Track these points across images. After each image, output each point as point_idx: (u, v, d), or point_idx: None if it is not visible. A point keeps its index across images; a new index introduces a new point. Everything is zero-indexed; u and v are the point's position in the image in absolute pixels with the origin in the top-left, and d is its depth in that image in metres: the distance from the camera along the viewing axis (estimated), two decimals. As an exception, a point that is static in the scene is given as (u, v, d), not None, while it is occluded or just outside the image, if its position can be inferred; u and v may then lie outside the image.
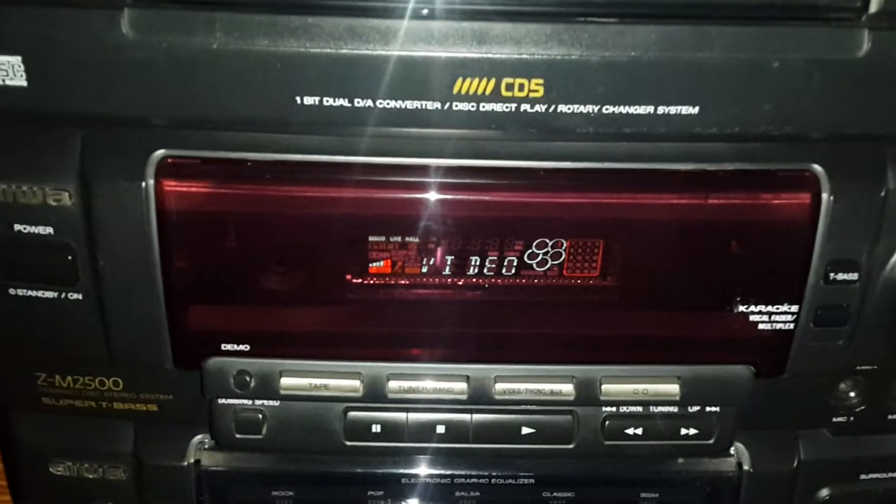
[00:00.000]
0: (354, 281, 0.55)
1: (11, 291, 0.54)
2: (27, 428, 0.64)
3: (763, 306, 0.55)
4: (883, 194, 0.53)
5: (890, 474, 0.67)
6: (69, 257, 0.53)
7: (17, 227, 0.52)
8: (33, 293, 0.54)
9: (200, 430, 0.64)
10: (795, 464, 0.65)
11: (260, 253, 0.54)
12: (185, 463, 0.63)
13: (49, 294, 0.54)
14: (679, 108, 0.49)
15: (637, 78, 0.48)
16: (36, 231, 0.53)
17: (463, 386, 0.58)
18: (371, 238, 0.54)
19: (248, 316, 0.56)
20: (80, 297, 0.54)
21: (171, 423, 0.63)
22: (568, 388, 0.58)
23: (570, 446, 0.60)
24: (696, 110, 0.49)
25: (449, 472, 0.65)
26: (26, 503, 0.67)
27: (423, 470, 0.65)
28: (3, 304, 0.55)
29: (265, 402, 0.59)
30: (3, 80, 0.48)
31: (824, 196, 0.53)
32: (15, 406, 0.63)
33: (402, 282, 0.56)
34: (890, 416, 0.64)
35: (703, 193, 0.53)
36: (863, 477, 0.67)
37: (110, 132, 0.51)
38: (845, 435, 0.65)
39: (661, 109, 0.49)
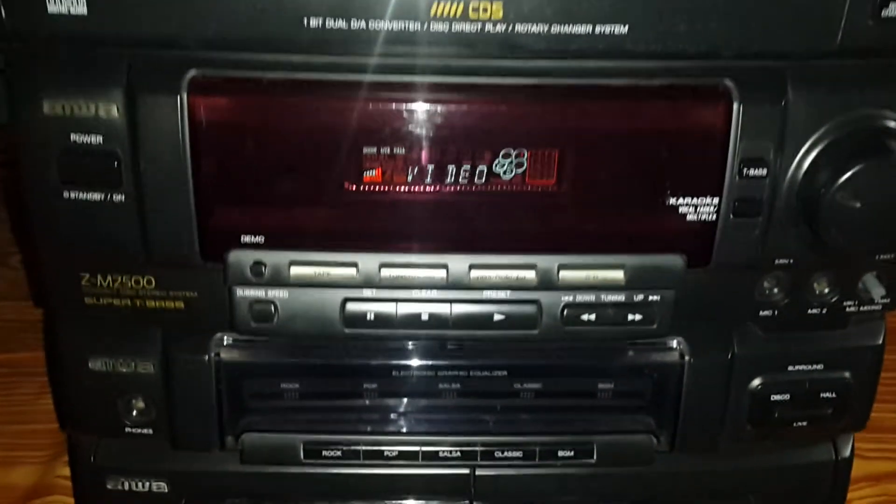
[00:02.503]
0: (352, 187, 0.66)
1: (65, 195, 0.65)
2: (71, 330, 0.74)
3: (690, 199, 0.66)
4: (783, 104, 0.64)
5: (814, 366, 0.77)
6: (115, 163, 0.64)
7: (73, 136, 0.63)
8: (84, 195, 0.65)
9: (219, 331, 0.74)
10: (730, 356, 0.75)
11: (273, 158, 0.65)
12: (206, 357, 0.73)
13: (97, 196, 0.65)
14: (612, 27, 0.60)
15: (577, 1, 0.60)
16: (88, 140, 0.63)
17: (443, 273, 0.68)
18: (364, 149, 0.65)
19: (264, 213, 0.67)
20: (123, 198, 0.65)
21: (194, 326, 0.73)
22: (531, 275, 0.68)
23: (535, 332, 0.70)
24: (625, 29, 0.60)
25: (433, 364, 0.75)
26: (67, 395, 0.77)
27: (410, 362, 0.76)
28: (58, 207, 0.65)
29: (277, 293, 0.69)
30: (69, 10, 0.59)
31: (735, 105, 0.64)
32: (62, 307, 0.73)
33: (391, 187, 0.66)
34: (810, 311, 0.74)
35: (637, 104, 0.65)
36: (790, 368, 0.77)
37: (151, 55, 0.62)
38: (773, 331, 0.75)
39: (598, 29, 0.60)
